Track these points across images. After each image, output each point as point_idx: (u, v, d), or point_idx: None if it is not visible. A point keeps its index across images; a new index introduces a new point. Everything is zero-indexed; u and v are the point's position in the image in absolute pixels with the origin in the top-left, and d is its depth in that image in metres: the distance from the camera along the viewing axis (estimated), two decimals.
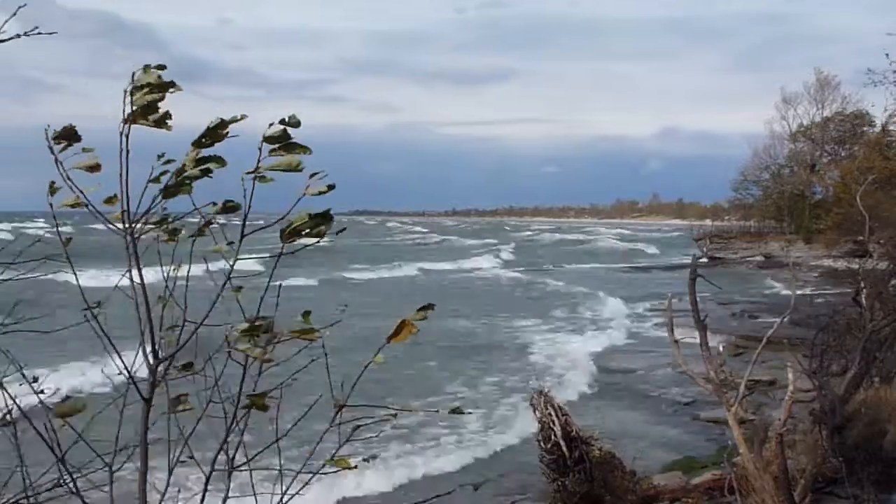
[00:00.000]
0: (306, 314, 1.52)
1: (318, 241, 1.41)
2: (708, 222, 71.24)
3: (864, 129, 56.16)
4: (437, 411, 2.17)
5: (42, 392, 1.94)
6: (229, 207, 1.45)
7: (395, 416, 1.85)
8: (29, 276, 2.32)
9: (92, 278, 12.43)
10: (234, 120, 1.41)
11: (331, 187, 1.35)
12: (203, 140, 1.46)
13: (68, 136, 1.57)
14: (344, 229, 1.53)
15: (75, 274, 1.91)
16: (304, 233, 1.37)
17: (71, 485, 1.95)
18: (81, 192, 1.62)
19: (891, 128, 47.14)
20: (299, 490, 2.01)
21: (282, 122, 1.34)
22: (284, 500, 1.97)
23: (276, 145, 1.37)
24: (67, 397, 1.80)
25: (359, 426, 1.84)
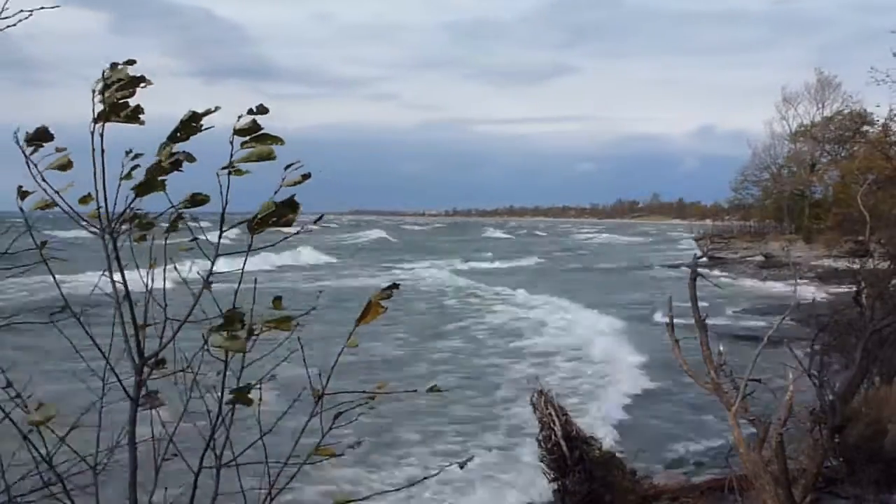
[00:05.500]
0: (276, 300, 1.48)
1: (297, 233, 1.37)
2: (708, 222, 71.12)
3: (865, 128, 56.05)
4: (416, 391, 2.15)
5: (19, 396, 1.90)
6: (198, 200, 1.41)
7: (372, 398, 1.83)
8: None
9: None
10: (208, 112, 1.37)
11: (305, 177, 1.31)
12: (178, 135, 1.42)
13: (41, 137, 1.54)
14: (321, 217, 1.51)
15: (54, 277, 1.90)
16: (271, 222, 1.33)
17: (58, 486, 1.93)
18: (57, 192, 1.59)
19: (893, 127, 47.01)
20: (286, 484, 2.01)
21: (250, 111, 1.31)
22: (273, 494, 1.98)
23: (248, 137, 1.33)
24: (40, 404, 1.77)
25: (340, 413, 1.82)
